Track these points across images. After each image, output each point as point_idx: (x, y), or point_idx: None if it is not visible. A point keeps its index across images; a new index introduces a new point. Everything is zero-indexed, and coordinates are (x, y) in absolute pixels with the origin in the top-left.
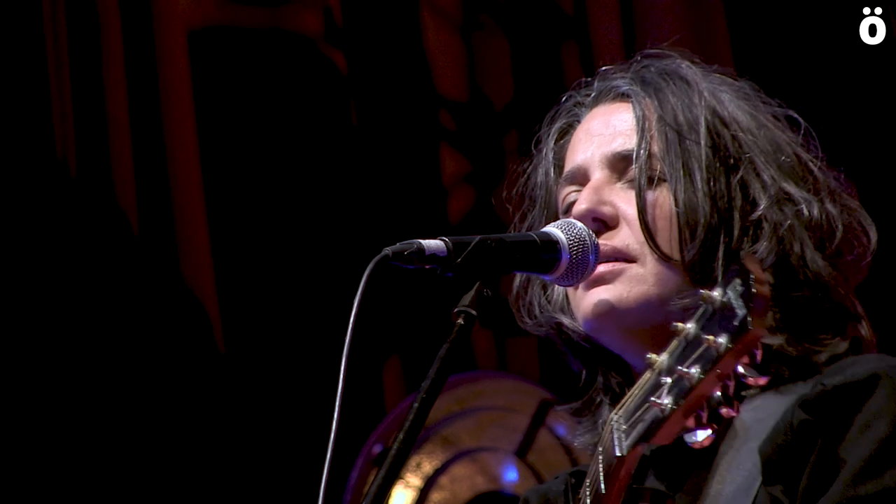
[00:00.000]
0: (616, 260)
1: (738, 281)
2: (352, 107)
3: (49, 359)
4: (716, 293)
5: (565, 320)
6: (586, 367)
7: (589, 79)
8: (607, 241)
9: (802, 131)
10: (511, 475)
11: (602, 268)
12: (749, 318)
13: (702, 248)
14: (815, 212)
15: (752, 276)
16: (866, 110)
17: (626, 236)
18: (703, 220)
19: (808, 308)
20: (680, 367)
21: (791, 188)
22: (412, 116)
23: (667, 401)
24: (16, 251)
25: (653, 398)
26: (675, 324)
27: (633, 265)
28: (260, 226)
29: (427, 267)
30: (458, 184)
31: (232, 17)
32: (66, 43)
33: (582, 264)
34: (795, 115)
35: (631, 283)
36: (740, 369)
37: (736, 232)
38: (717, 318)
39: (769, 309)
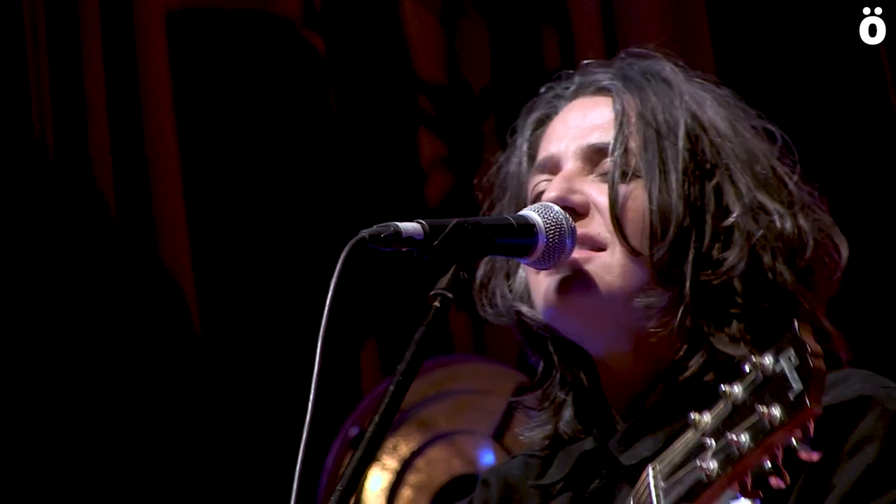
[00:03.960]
0: (586, 247)
1: (791, 351)
2: (330, 90)
3: (23, 341)
4: (767, 361)
5: (524, 308)
6: (543, 359)
7: (570, 71)
8: (579, 228)
9: (779, 144)
10: (488, 458)
11: (576, 254)
12: (808, 396)
13: (671, 249)
14: (788, 225)
15: (808, 348)
16: (866, 110)
17: (598, 224)
18: (675, 221)
19: (773, 320)
20: (728, 433)
21: (765, 199)
22: (391, 100)
23: (712, 465)
24: None
25: (697, 460)
26: (722, 387)
27: (603, 254)
28: (238, 208)
29: (404, 249)
30: (436, 168)
31: None
32: (44, 23)
33: (559, 248)
34: (774, 128)
35: (596, 271)
36: (794, 443)
37: (707, 237)
38: (770, 387)
39: (825, 383)
